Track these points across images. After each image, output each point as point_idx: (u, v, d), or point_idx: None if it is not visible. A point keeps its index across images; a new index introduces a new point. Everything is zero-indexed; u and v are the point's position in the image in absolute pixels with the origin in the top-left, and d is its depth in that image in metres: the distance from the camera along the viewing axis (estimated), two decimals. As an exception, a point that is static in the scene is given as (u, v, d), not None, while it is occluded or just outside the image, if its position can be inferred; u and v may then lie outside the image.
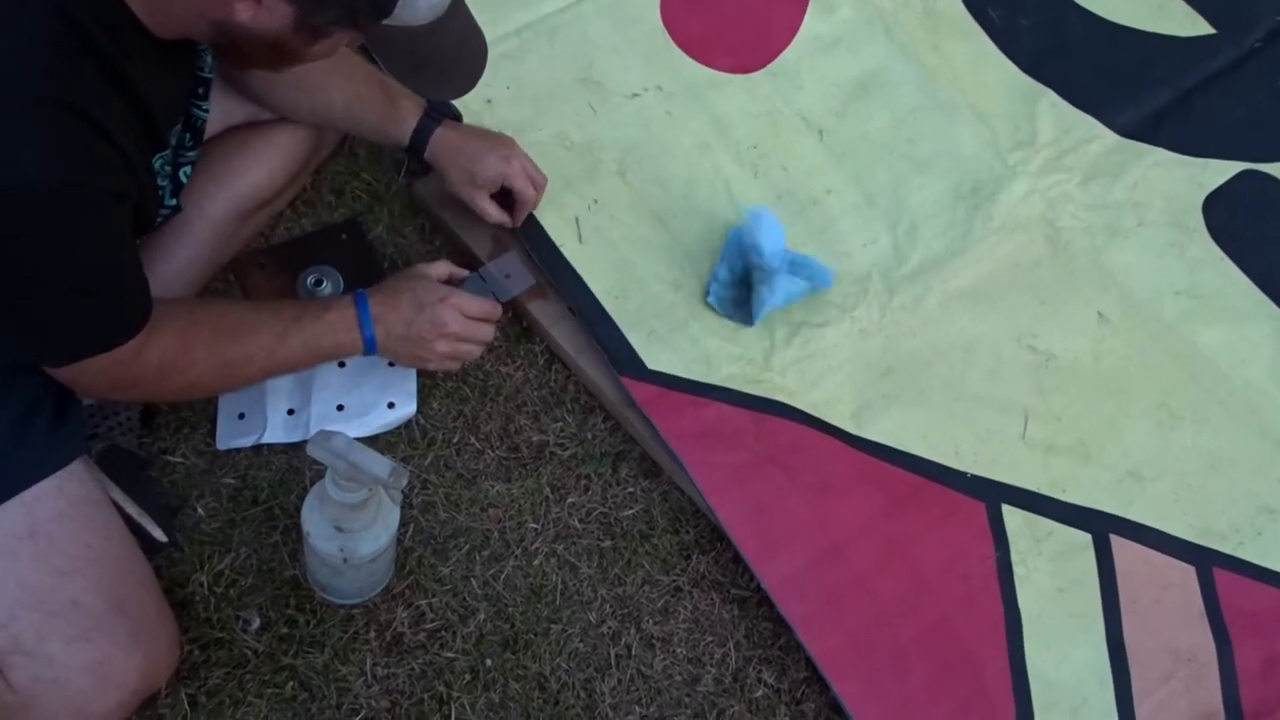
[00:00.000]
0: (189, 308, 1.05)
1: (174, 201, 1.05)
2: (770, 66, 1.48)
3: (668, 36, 1.47)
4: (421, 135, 1.20)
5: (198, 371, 1.00)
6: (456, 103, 1.26)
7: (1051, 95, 1.52)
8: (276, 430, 1.16)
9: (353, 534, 0.98)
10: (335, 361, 1.19)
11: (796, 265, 1.27)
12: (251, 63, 0.90)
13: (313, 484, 1.03)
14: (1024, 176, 1.44)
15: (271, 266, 1.27)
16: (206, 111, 1.05)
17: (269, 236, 1.30)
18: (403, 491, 0.94)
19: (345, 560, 1.00)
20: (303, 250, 1.29)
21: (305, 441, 1.14)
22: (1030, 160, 1.45)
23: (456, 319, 1.12)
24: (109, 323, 0.90)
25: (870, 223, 1.38)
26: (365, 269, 1.28)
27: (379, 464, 0.91)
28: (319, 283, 1.26)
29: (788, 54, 1.49)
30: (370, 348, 1.11)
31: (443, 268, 1.17)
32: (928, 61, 1.51)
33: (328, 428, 1.16)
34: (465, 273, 1.19)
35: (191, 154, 1.05)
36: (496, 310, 1.18)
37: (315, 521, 0.99)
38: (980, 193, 1.42)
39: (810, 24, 1.51)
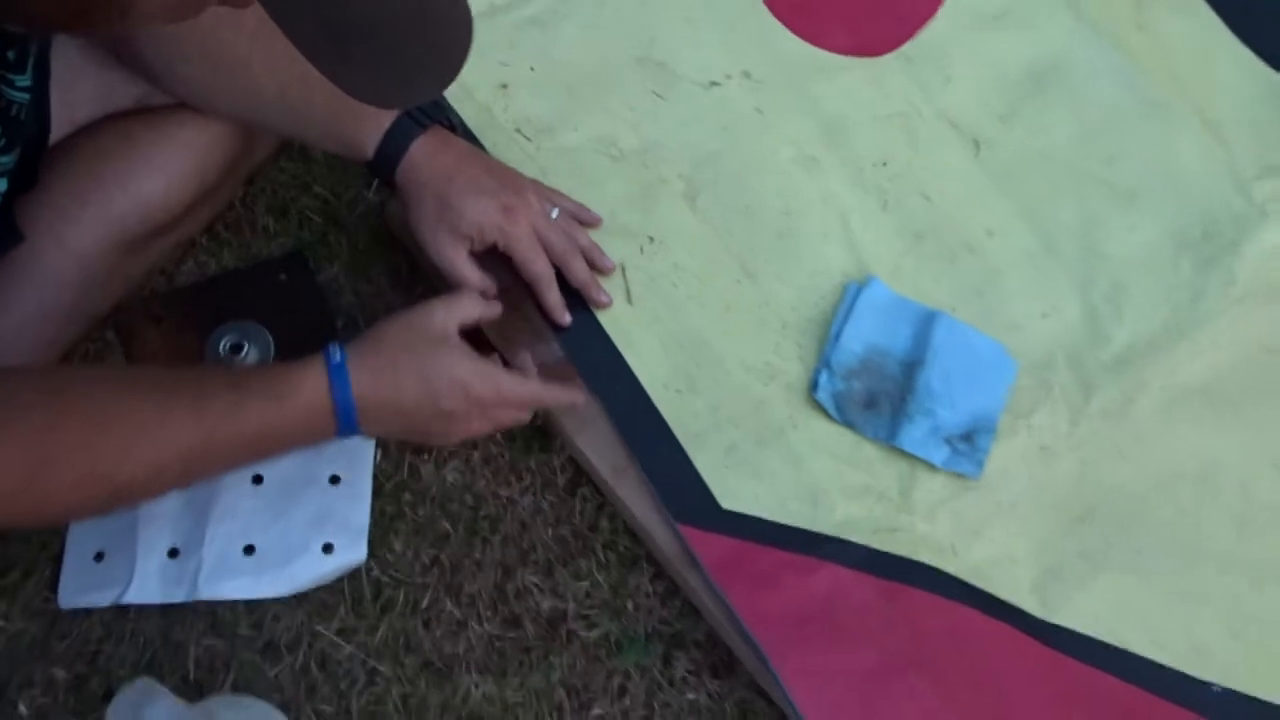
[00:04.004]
0: (46, 391, 0.66)
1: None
2: (905, 48, 1.06)
3: (760, 1, 1.05)
4: (395, 145, 0.79)
5: (75, 495, 0.66)
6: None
7: (1308, 99, 1.08)
8: (149, 582, 0.78)
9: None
10: (249, 476, 0.80)
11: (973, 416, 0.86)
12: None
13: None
14: (1277, 218, 1.00)
15: (171, 321, 0.87)
16: (25, 92, 0.66)
17: (172, 275, 0.90)
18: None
19: None
20: (219, 297, 0.89)
21: (190, 603, 0.76)
22: (1285, 194, 1.01)
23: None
24: None
25: (1052, 281, 0.95)
26: (311, 327, 0.89)
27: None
28: (238, 348, 0.87)
29: (931, 30, 1.07)
30: (348, 434, 0.74)
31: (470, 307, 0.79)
32: (1131, 45, 1.08)
33: (228, 579, 0.78)
34: (498, 308, 0.81)
35: (4, 159, 0.66)
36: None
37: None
38: (1215, 241, 0.98)
39: (962, -11, 1.08)
